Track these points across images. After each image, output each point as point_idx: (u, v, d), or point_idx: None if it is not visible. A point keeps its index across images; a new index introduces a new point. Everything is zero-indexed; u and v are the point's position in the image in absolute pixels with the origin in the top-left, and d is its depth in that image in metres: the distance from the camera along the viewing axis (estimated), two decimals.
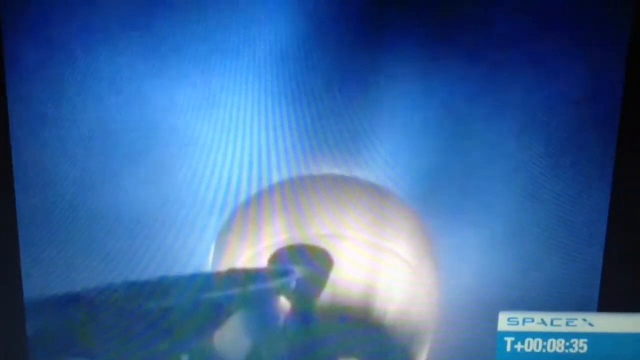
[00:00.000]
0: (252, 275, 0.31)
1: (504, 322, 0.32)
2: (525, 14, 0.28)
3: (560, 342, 0.32)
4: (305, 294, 0.31)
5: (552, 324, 0.32)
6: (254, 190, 0.30)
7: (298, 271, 0.31)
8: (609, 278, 0.31)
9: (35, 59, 0.28)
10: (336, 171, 0.30)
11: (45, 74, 0.28)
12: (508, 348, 0.32)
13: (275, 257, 0.31)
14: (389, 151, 0.30)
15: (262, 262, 0.31)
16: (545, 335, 0.32)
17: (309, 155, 0.30)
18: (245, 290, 0.31)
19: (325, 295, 0.31)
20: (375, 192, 0.30)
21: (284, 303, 0.31)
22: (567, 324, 0.32)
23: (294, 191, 0.30)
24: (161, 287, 0.30)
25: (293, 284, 0.31)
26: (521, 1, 0.28)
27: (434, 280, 0.31)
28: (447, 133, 0.29)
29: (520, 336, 0.32)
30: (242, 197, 0.30)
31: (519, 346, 0.32)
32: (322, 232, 0.30)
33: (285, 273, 0.31)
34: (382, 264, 0.31)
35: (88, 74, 0.28)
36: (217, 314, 0.31)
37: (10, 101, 0.28)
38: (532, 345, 0.32)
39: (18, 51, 0.28)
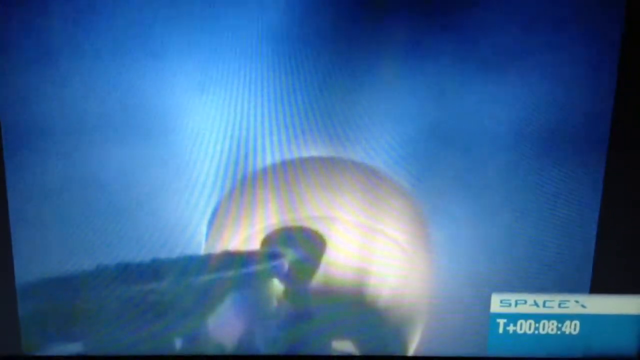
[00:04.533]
0: (244, 258, 0.31)
1: (496, 304, 0.32)
2: (522, 8, 0.28)
3: (553, 324, 0.32)
4: (298, 277, 0.31)
5: (544, 305, 0.32)
6: (246, 173, 0.30)
7: (291, 254, 0.31)
8: (601, 260, 0.31)
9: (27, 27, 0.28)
10: (330, 154, 0.30)
11: (37, 46, 0.28)
12: (500, 330, 0.32)
13: (269, 240, 0.31)
14: (384, 134, 0.30)
15: (255, 244, 0.31)
16: (537, 317, 0.32)
17: (304, 137, 0.29)
18: (238, 273, 0.31)
19: (318, 278, 0.31)
20: (369, 175, 0.30)
21: (276, 286, 0.31)
22: (559, 305, 0.32)
23: (288, 173, 0.30)
24: (154, 269, 0.30)
25: (286, 267, 0.31)
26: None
27: (427, 263, 0.31)
28: (443, 116, 0.29)
29: (513, 318, 0.32)
30: (235, 180, 0.30)
31: (511, 328, 0.32)
32: (316, 215, 0.30)
33: (278, 255, 0.31)
34: (376, 246, 0.31)
35: (82, 55, 0.28)
36: (210, 296, 0.31)
37: None
38: (525, 327, 0.32)
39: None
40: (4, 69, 0.28)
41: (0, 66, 0.28)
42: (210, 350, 0.32)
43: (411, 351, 0.33)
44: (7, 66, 0.28)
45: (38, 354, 0.32)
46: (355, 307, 0.32)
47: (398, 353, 0.32)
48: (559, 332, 0.32)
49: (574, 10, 0.28)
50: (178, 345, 0.32)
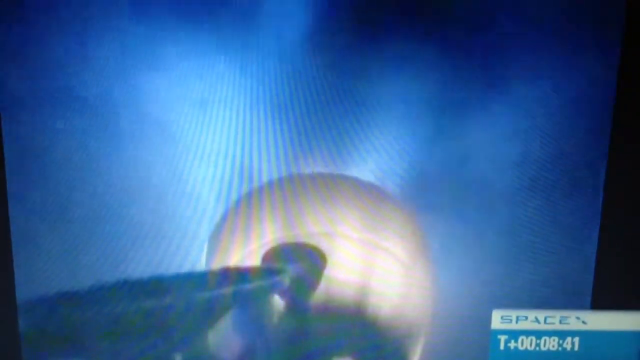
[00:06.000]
0: (246, 274, 0.31)
1: (497, 320, 0.32)
2: (521, 14, 0.28)
3: (554, 340, 0.32)
4: (298, 293, 0.31)
5: (545, 321, 0.32)
6: (247, 189, 0.30)
7: (292, 269, 0.31)
8: (602, 276, 0.31)
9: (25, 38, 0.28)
10: (330, 170, 0.30)
11: (35, 60, 0.28)
12: (501, 346, 0.32)
13: (269, 256, 0.31)
14: (383, 149, 0.30)
15: (256, 260, 0.31)
16: (538, 333, 0.32)
17: (303, 153, 0.29)
18: (239, 289, 0.31)
19: (319, 294, 0.31)
20: (369, 190, 0.30)
21: (277, 301, 0.31)
22: (560, 321, 0.32)
23: (288, 190, 0.30)
24: (155, 286, 0.30)
25: (287, 283, 0.31)
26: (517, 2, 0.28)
27: (428, 279, 0.31)
28: (442, 132, 0.29)
29: (514, 334, 0.32)
30: (236, 196, 0.30)
31: (512, 344, 0.32)
32: (316, 231, 0.30)
33: (278, 271, 0.31)
34: (376, 262, 0.31)
35: (81, 71, 0.28)
36: (211, 313, 0.31)
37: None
38: (526, 343, 0.32)
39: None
40: (7, 77, 0.28)
41: (3, 75, 0.28)
42: None
43: None
44: (10, 74, 0.28)
45: None
46: (356, 323, 0.31)
47: None
48: (560, 349, 0.32)
49: (574, 16, 0.28)
50: None
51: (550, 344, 0.32)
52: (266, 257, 0.31)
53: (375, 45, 0.28)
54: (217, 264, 0.30)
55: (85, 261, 0.30)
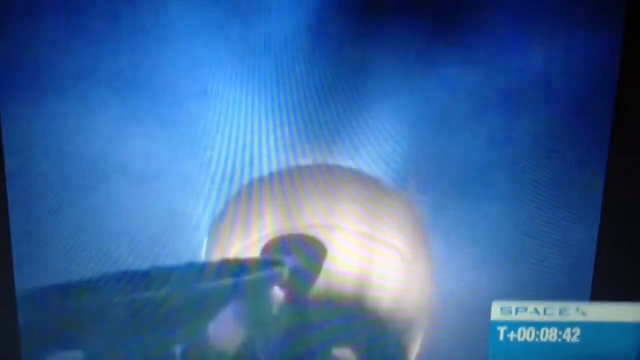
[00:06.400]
0: (245, 267, 0.31)
1: (497, 311, 0.32)
2: (522, 13, 0.28)
3: (554, 332, 0.32)
4: (298, 285, 0.31)
5: (545, 313, 0.32)
6: (247, 182, 0.30)
7: (291, 262, 0.31)
8: (602, 268, 0.31)
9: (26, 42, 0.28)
10: (330, 162, 0.30)
11: (36, 55, 0.28)
12: (501, 337, 0.32)
13: (269, 248, 0.31)
14: (383, 141, 0.30)
15: (256, 253, 0.31)
16: (538, 325, 0.32)
17: (302, 146, 0.29)
18: (239, 281, 0.31)
19: (319, 286, 0.31)
20: (368, 183, 0.30)
21: (277, 294, 0.31)
22: (560, 313, 0.32)
23: (287, 182, 0.30)
24: (155, 278, 0.30)
25: (286, 275, 0.31)
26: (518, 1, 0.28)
27: (428, 271, 0.31)
28: (441, 123, 0.29)
29: (514, 326, 0.32)
30: (236, 189, 0.30)
31: (512, 335, 0.32)
32: (316, 223, 0.30)
33: (278, 264, 0.31)
34: (376, 254, 0.31)
35: (83, 67, 0.28)
36: (210, 305, 0.31)
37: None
38: (526, 335, 0.32)
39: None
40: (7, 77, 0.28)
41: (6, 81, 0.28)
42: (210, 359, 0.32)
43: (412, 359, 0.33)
44: (12, 83, 0.28)
45: None
46: (356, 315, 0.31)
47: None
48: (559, 340, 0.32)
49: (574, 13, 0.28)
50: (178, 354, 0.32)
51: (550, 335, 0.32)
52: (266, 250, 0.31)
53: (376, 39, 0.28)
54: (217, 256, 0.30)
55: (84, 254, 0.30)
